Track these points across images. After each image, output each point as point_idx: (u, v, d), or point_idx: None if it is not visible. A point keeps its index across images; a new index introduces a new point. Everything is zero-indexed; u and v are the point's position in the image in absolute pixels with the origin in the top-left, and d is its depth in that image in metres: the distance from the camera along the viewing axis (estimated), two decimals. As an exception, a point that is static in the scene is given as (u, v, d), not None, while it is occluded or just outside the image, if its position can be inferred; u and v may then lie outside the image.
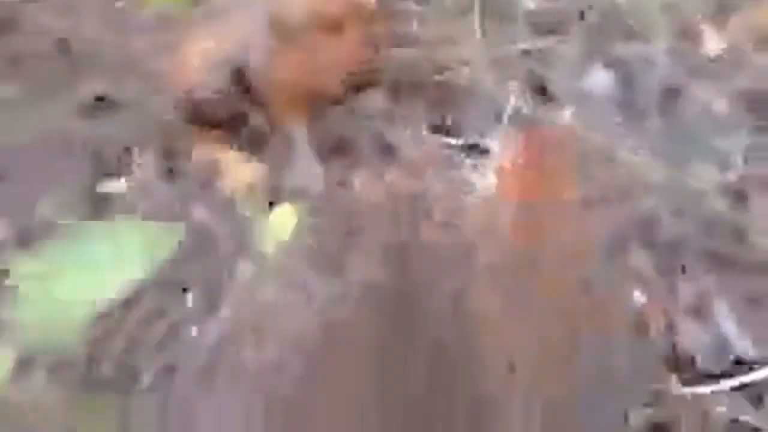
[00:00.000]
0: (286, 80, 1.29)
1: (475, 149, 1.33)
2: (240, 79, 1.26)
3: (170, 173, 1.28)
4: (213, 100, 1.25)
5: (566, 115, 1.41)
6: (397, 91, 1.45)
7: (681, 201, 1.22)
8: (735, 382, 1.00)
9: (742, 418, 0.97)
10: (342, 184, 1.25)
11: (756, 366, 1.01)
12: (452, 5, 1.60)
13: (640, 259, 1.16)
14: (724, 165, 1.26)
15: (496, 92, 1.44)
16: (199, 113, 1.28)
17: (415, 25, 1.57)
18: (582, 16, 1.54)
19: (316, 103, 1.34)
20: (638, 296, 1.10)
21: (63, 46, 1.47)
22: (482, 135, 1.35)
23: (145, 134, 1.32)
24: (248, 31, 1.26)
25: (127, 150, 1.31)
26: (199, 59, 1.26)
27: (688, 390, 1.00)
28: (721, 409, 0.97)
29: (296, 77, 1.29)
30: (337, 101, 1.37)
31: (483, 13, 1.55)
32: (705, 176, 1.25)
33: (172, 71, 1.30)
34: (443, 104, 1.44)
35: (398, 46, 1.51)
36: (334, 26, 1.30)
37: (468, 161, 1.34)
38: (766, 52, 1.41)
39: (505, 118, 1.38)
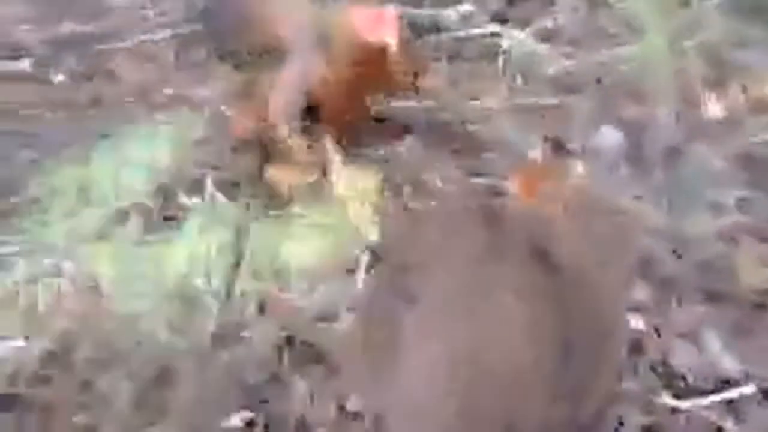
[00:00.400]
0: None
1: (495, 190, 1.50)
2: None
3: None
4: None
5: (578, 166, 1.57)
6: (429, 136, 1.63)
7: (679, 243, 1.37)
8: (720, 397, 1.13)
9: (726, 427, 1.10)
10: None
11: (739, 384, 1.14)
12: (483, 66, 1.78)
13: (641, 291, 1.31)
14: (719, 214, 1.41)
15: (518, 142, 1.61)
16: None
17: (446, 81, 1.75)
18: (599, 80, 1.71)
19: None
20: (638, 322, 1.24)
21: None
22: (503, 178, 1.51)
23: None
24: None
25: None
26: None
27: (678, 403, 1.14)
28: (708, 419, 1.10)
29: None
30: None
31: (510, 72, 1.73)
32: (701, 223, 1.40)
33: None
34: (471, 150, 1.61)
35: (431, 98, 1.69)
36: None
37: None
38: (760, 118, 1.57)
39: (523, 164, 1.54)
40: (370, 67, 1.43)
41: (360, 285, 1.32)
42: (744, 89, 1.61)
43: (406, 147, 1.58)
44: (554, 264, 0.93)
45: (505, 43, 1.80)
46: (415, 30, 1.77)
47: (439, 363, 0.89)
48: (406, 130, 1.60)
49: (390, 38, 1.39)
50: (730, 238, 1.37)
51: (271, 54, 1.46)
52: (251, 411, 1.16)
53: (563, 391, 0.89)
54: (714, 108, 1.60)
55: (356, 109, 1.54)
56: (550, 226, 0.99)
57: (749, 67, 1.63)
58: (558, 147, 1.61)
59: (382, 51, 1.41)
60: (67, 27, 1.86)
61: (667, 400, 1.14)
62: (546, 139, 1.59)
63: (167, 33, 1.86)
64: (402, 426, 0.91)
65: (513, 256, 0.93)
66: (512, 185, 1.21)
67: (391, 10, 1.43)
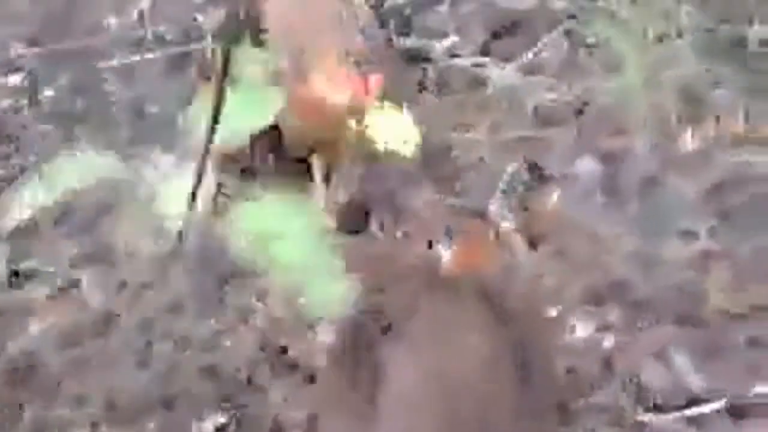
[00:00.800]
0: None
1: (476, 212, 1.54)
2: None
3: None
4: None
5: (554, 195, 1.62)
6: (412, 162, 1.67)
7: (651, 268, 1.41)
8: (688, 412, 1.16)
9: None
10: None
11: (706, 401, 1.18)
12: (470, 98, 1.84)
13: (612, 313, 1.34)
14: (690, 241, 1.46)
15: (497, 170, 1.65)
16: None
17: (432, 111, 1.80)
18: (579, 112, 1.77)
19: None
20: (610, 341, 1.28)
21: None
22: (481, 202, 1.56)
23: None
24: None
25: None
26: None
27: (648, 418, 1.17)
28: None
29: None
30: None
31: (494, 104, 1.79)
32: (673, 249, 1.45)
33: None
34: (452, 176, 1.65)
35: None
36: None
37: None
38: (732, 152, 1.63)
39: (499, 191, 1.59)
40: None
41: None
42: (716, 124, 1.67)
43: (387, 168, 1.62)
44: (506, 312, 1.07)
45: (489, 75, 1.86)
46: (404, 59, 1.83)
47: (416, 392, 0.99)
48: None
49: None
50: (701, 265, 1.42)
51: None
52: (225, 414, 1.18)
53: (526, 408, 0.98)
54: (688, 141, 1.66)
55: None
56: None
57: (721, 103, 1.69)
58: (536, 173, 1.66)
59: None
60: (64, 44, 1.90)
61: (637, 415, 1.17)
62: (525, 164, 1.65)
63: (159, 54, 1.90)
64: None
65: (473, 308, 1.08)
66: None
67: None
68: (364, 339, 1.03)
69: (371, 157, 1.48)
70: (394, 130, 1.28)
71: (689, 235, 1.49)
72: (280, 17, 1.52)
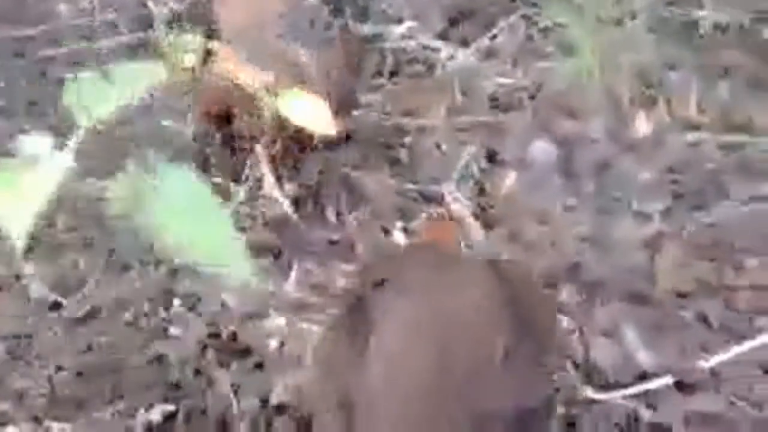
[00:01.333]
0: None
1: (429, 195, 1.54)
2: None
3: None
4: None
5: (511, 176, 1.62)
6: (368, 147, 1.66)
7: (604, 249, 1.42)
8: (638, 389, 1.17)
9: (642, 416, 1.14)
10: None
11: (654, 377, 1.18)
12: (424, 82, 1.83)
13: (566, 293, 1.35)
14: (643, 222, 1.47)
15: (453, 154, 1.65)
16: None
17: (387, 96, 1.80)
18: (533, 97, 1.77)
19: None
20: (563, 321, 1.28)
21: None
22: (437, 184, 1.56)
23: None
24: None
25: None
26: None
27: (599, 395, 1.17)
28: (626, 409, 1.14)
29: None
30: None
31: (450, 89, 1.78)
32: (626, 231, 1.45)
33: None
34: (408, 161, 1.65)
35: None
36: None
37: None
38: (684, 135, 1.64)
39: (455, 174, 1.59)
40: None
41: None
42: (670, 108, 1.68)
43: (343, 153, 1.61)
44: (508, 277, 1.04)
45: (445, 60, 1.86)
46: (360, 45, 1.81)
47: (404, 337, 0.95)
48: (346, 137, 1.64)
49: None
50: (652, 245, 1.43)
51: None
52: (172, 404, 1.16)
53: (517, 376, 0.96)
54: (642, 124, 1.67)
55: None
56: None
57: (675, 87, 1.70)
58: (492, 158, 1.66)
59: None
60: (9, 32, 1.86)
61: (588, 392, 1.17)
62: (481, 149, 1.65)
63: (112, 41, 1.88)
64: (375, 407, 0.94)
65: (476, 271, 1.05)
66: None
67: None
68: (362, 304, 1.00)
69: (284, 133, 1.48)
70: (307, 111, 1.31)
71: (642, 216, 1.50)
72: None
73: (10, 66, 1.81)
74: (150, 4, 1.93)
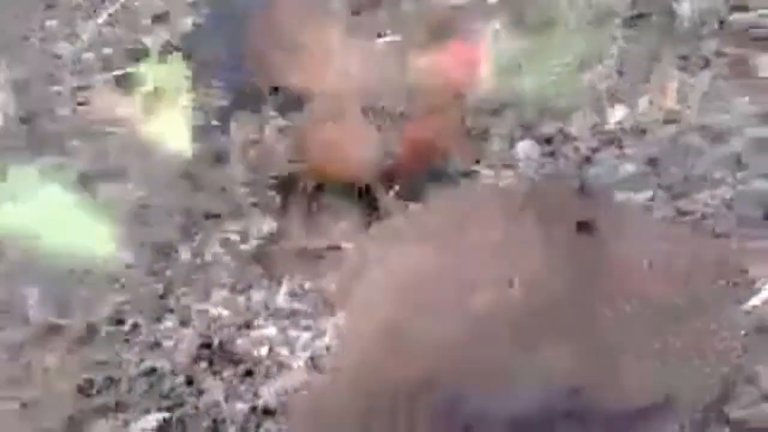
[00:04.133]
0: None
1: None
2: None
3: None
4: None
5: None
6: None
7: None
8: None
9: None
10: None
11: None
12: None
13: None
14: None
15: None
16: None
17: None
18: (517, 100, 1.80)
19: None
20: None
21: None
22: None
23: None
24: None
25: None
26: None
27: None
28: None
29: None
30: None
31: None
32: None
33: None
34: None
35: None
36: None
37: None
38: (666, 127, 1.66)
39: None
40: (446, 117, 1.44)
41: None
42: (651, 101, 1.70)
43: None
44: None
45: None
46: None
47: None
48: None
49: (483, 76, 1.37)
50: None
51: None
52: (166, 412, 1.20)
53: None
54: (624, 118, 1.69)
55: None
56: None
57: (656, 80, 1.72)
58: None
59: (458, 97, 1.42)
60: (8, 71, 1.92)
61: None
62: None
63: (108, 75, 1.93)
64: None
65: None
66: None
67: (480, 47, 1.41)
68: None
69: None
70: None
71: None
72: None
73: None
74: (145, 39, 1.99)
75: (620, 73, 1.74)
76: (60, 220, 1.25)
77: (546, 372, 0.88)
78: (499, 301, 0.93)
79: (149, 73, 1.47)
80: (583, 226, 1.02)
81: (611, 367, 0.90)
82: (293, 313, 1.36)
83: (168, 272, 1.42)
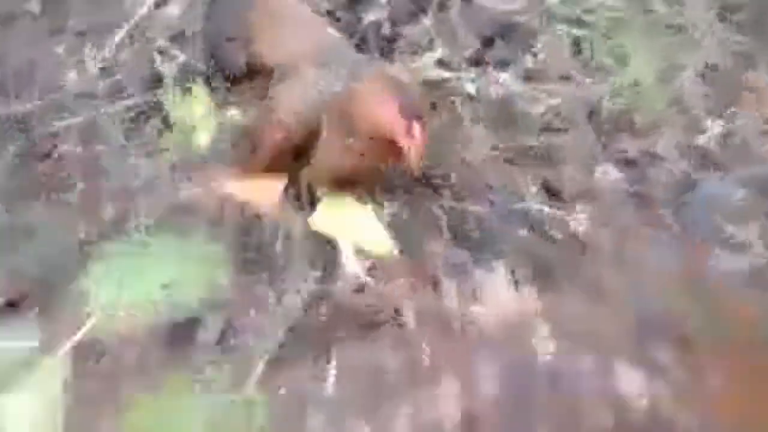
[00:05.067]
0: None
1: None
2: None
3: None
4: None
5: (580, 213, 1.40)
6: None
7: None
8: None
9: None
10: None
11: None
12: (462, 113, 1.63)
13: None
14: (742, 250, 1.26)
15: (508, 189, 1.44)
16: None
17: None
18: (590, 115, 1.56)
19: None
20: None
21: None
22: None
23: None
24: None
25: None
26: None
27: None
28: None
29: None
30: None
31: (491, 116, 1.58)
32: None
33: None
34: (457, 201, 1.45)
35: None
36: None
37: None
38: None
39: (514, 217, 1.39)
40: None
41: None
42: (757, 109, 1.47)
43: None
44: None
45: (483, 87, 1.67)
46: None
47: None
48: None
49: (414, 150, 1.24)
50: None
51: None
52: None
53: None
54: (719, 133, 1.46)
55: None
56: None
57: (759, 86, 1.49)
58: (552, 192, 1.45)
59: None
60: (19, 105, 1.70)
61: None
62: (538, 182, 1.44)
63: (121, 105, 1.71)
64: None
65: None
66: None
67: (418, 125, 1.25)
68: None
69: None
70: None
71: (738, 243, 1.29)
72: None
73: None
74: (158, 62, 1.78)
75: (713, 80, 1.51)
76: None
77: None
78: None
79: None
80: None
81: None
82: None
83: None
